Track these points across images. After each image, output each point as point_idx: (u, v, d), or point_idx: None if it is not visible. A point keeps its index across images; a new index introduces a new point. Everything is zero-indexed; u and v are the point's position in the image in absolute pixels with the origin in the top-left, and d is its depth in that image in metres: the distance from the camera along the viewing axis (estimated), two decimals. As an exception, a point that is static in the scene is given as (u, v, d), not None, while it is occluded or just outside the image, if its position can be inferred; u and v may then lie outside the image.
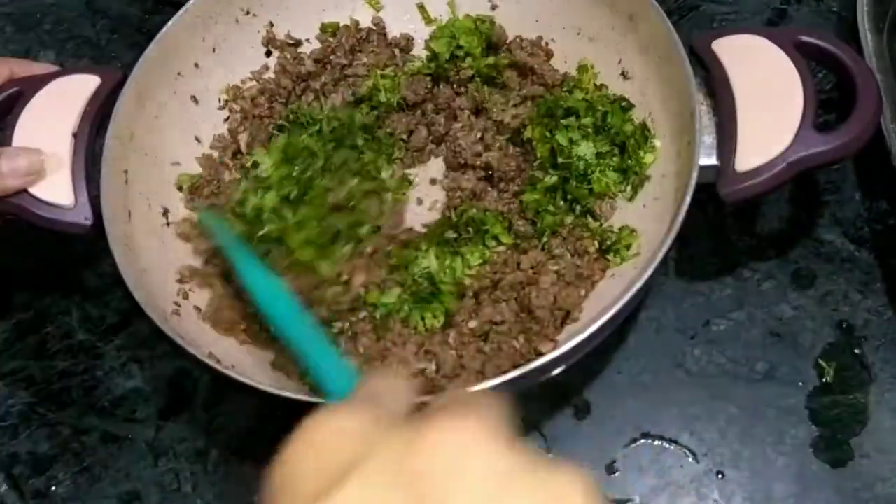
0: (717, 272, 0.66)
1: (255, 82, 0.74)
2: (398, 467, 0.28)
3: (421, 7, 0.77)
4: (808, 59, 0.59)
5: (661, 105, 0.66)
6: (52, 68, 0.69)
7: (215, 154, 0.72)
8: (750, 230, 0.67)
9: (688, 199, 0.55)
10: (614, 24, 0.69)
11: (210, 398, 0.67)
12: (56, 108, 0.65)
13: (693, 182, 0.56)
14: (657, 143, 0.66)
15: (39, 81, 0.66)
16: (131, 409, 0.67)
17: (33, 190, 0.61)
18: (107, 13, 0.87)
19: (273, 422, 0.63)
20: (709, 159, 0.58)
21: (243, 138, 0.72)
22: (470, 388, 0.50)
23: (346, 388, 0.39)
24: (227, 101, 0.73)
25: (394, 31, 0.77)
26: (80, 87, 0.66)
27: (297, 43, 0.76)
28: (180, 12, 0.69)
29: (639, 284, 0.53)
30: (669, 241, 0.54)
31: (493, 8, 0.76)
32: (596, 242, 0.65)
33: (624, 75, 0.69)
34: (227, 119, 0.73)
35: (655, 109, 0.66)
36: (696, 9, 0.79)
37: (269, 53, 0.76)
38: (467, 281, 0.64)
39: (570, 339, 0.53)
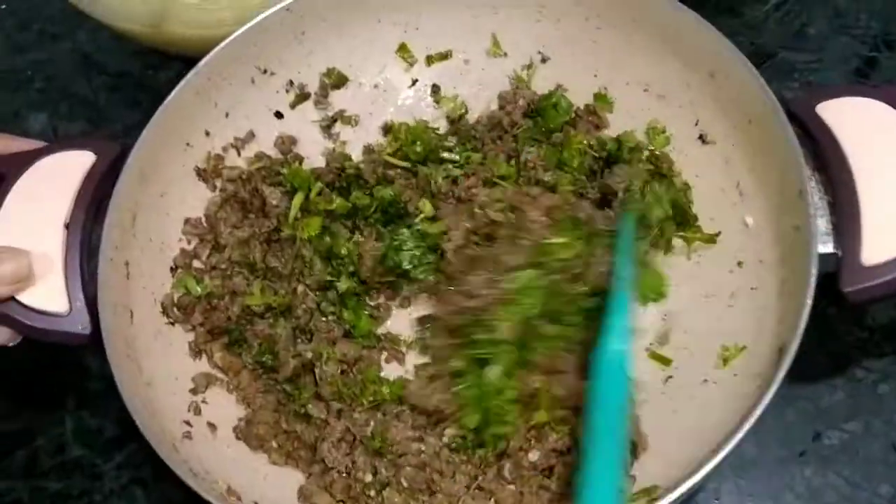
0: (824, 373, 0.56)
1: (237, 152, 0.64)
2: None
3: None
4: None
5: (752, 176, 0.56)
6: (37, 144, 0.59)
7: (189, 246, 0.61)
8: (860, 321, 0.58)
9: (809, 301, 0.46)
10: (689, 81, 0.60)
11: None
12: (44, 194, 0.55)
13: (813, 278, 0.46)
14: (749, 220, 0.56)
15: (23, 161, 0.57)
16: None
17: (21, 296, 0.52)
18: (105, 69, 0.78)
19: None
20: (824, 247, 0.49)
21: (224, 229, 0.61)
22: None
23: None
24: (205, 173, 0.63)
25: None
26: (71, 166, 0.57)
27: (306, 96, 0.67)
28: (190, 75, 0.59)
29: (756, 415, 0.43)
30: (792, 352, 0.45)
31: (544, 61, 0.66)
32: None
33: (703, 139, 0.60)
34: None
35: (745, 181, 0.57)
36: (773, 57, 0.69)
37: (279, 115, 0.66)
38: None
39: (671, 489, 0.43)
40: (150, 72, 0.78)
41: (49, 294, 0.53)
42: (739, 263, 0.56)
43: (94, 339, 0.53)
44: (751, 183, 0.56)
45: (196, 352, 0.58)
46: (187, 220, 0.62)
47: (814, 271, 0.46)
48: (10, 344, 0.56)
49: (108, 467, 0.60)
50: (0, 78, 0.79)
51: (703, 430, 0.49)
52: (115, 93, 0.77)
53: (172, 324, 0.58)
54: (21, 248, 0.52)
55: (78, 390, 0.63)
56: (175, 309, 0.59)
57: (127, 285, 0.56)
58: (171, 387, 0.55)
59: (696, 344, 0.55)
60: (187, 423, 0.54)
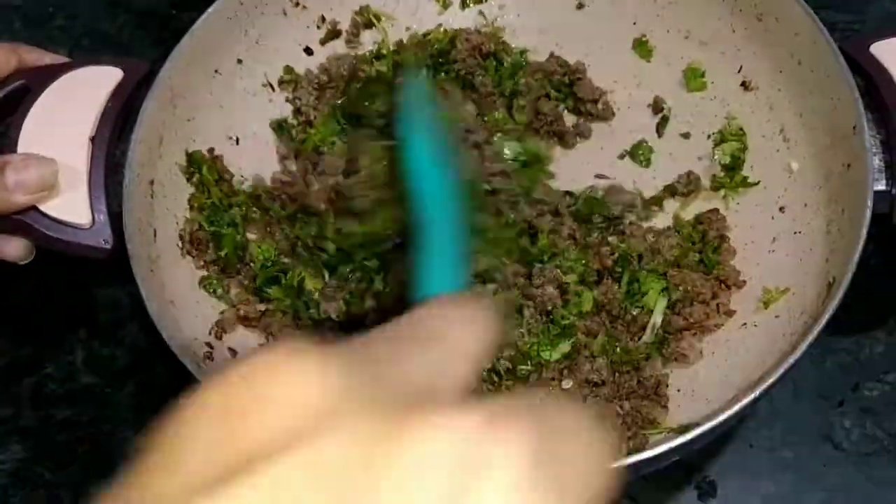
0: (864, 325, 0.55)
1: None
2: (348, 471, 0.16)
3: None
4: None
5: (798, 120, 0.55)
6: (66, 60, 0.58)
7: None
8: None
9: (863, 234, 0.44)
10: (735, 26, 0.58)
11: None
12: (70, 107, 0.54)
13: (868, 213, 0.45)
14: (794, 165, 0.55)
15: (49, 74, 0.55)
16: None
17: (43, 206, 0.50)
18: (129, 7, 0.76)
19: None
20: (878, 184, 0.47)
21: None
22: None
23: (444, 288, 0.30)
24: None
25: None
26: (98, 82, 0.55)
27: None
28: (222, -3, 0.58)
29: (797, 354, 0.42)
30: (841, 293, 0.43)
31: (580, 7, 0.65)
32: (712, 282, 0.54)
33: (745, 86, 0.59)
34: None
35: (790, 126, 0.55)
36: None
37: (308, 51, 0.65)
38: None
39: (704, 422, 0.41)
40: (175, 11, 0.76)
41: (72, 206, 0.51)
42: (781, 209, 0.55)
43: (114, 255, 0.51)
44: (797, 127, 0.55)
45: (210, 291, 0.56)
46: (211, 151, 0.60)
47: (870, 203, 0.45)
48: (22, 262, 0.54)
49: (120, 396, 0.58)
50: (22, 13, 0.77)
51: (746, 371, 0.48)
52: (138, 30, 0.75)
53: (191, 256, 0.56)
54: (48, 157, 0.50)
55: (89, 321, 0.61)
56: (188, 243, 0.57)
57: (151, 204, 0.54)
58: (194, 310, 0.53)
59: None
60: (209, 345, 0.52)
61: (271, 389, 0.17)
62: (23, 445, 0.57)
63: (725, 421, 0.41)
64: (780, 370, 0.41)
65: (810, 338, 0.41)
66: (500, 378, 0.51)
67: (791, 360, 0.41)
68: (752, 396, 0.41)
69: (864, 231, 0.44)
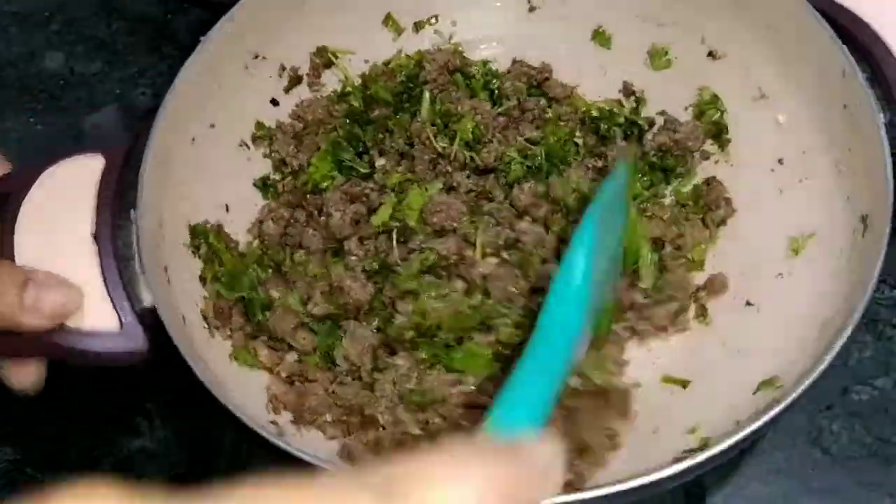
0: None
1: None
2: None
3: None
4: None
5: (775, 76, 0.57)
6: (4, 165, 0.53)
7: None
8: (890, 278, 0.59)
9: (888, 163, 0.47)
10: (686, 1, 0.61)
11: (235, 462, 0.55)
12: (60, 206, 0.50)
13: (886, 145, 0.48)
14: (781, 118, 0.57)
15: (27, 177, 0.51)
16: (138, 475, 0.55)
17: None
18: (123, 13, 0.75)
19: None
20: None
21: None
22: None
23: (516, 424, 0.27)
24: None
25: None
26: (81, 175, 0.51)
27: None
28: (192, 57, 0.55)
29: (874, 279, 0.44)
30: (887, 225, 0.46)
31: (532, 10, 0.66)
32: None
33: (712, 55, 0.61)
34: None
35: (767, 83, 0.58)
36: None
37: (275, 102, 0.63)
38: None
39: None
40: (168, 17, 0.75)
41: (94, 312, 0.47)
42: (780, 161, 0.57)
43: (150, 355, 0.48)
44: (774, 82, 0.57)
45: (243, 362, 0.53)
46: (206, 222, 0.57)
47: (883, 134, 0.48)
48: (31, 394, 0.49)
49: (111, 398, 0.57)
50: (19, 19, 0.75)
51: (802, 317, 0.50)
52: (132, 36, 0.75)
53: (217, 329, 0.53)
54: (74, 284, 0.46)
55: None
56: (212, 317, 0.54)
57: (169, 290, 0.50)
58: (243, 389, 0.50)
59: (756, 245, 0.56)
60: (273, 423, 0.49)
61: None
62: (13, 447, 0.55)
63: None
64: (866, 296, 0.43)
65: (879, 263, 0.44)
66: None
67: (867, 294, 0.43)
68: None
69: (889, 161, 0.47)
